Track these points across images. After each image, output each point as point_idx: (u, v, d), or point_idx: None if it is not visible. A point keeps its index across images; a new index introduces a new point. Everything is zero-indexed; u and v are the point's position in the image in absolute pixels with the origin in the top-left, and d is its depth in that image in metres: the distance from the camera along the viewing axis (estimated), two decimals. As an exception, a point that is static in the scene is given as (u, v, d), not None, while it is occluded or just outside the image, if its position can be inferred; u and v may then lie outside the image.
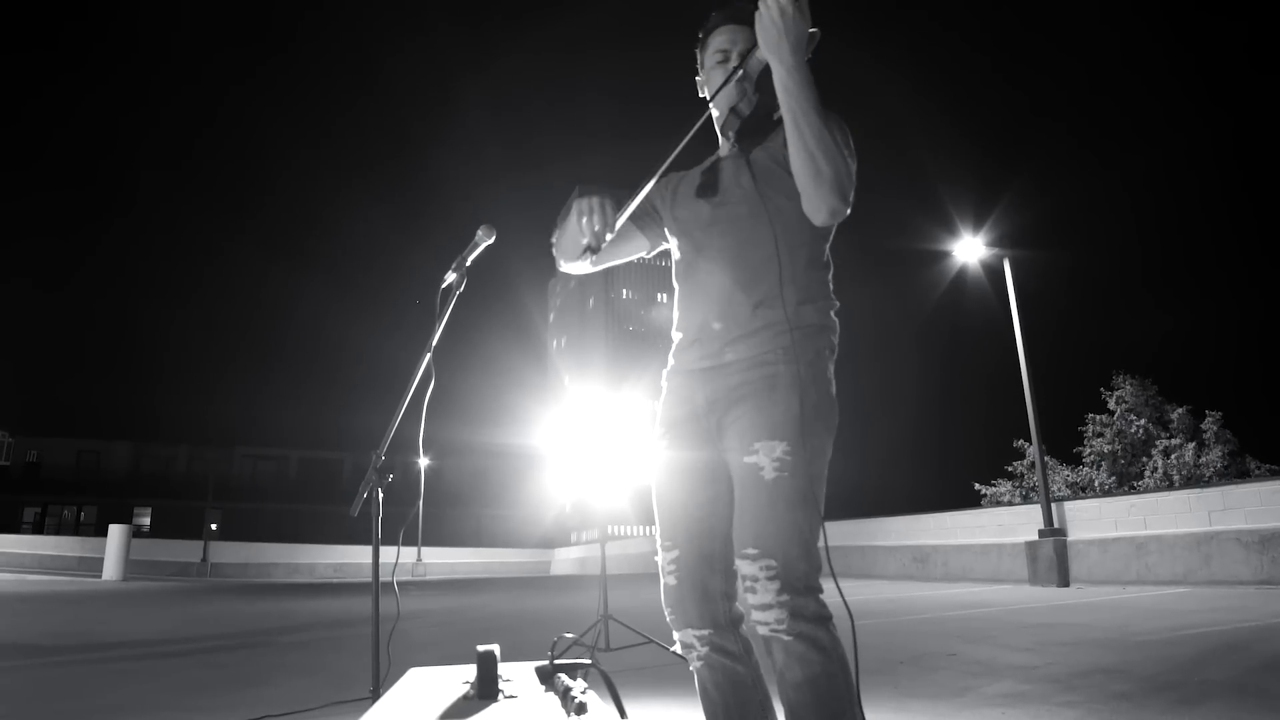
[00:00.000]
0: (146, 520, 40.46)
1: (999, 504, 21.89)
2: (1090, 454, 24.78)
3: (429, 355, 2.10)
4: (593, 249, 1.50)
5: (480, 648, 1.42)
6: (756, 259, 1.55)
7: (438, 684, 1.51)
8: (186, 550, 30.14)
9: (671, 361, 1.68)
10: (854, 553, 15.76)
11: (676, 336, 1.68)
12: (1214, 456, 22.41)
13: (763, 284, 1.54)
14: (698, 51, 1.73)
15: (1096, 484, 23.95)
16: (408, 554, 31.38)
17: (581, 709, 1.28)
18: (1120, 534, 10.66)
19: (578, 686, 1.41)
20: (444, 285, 2.06)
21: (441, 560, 35.56)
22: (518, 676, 1.54)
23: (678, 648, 1.57)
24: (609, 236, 1.50)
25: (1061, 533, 11.26)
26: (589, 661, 1.60)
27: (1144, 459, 23.83)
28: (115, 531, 21.90)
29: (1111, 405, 24.71)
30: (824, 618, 1.40)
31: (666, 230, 1.74)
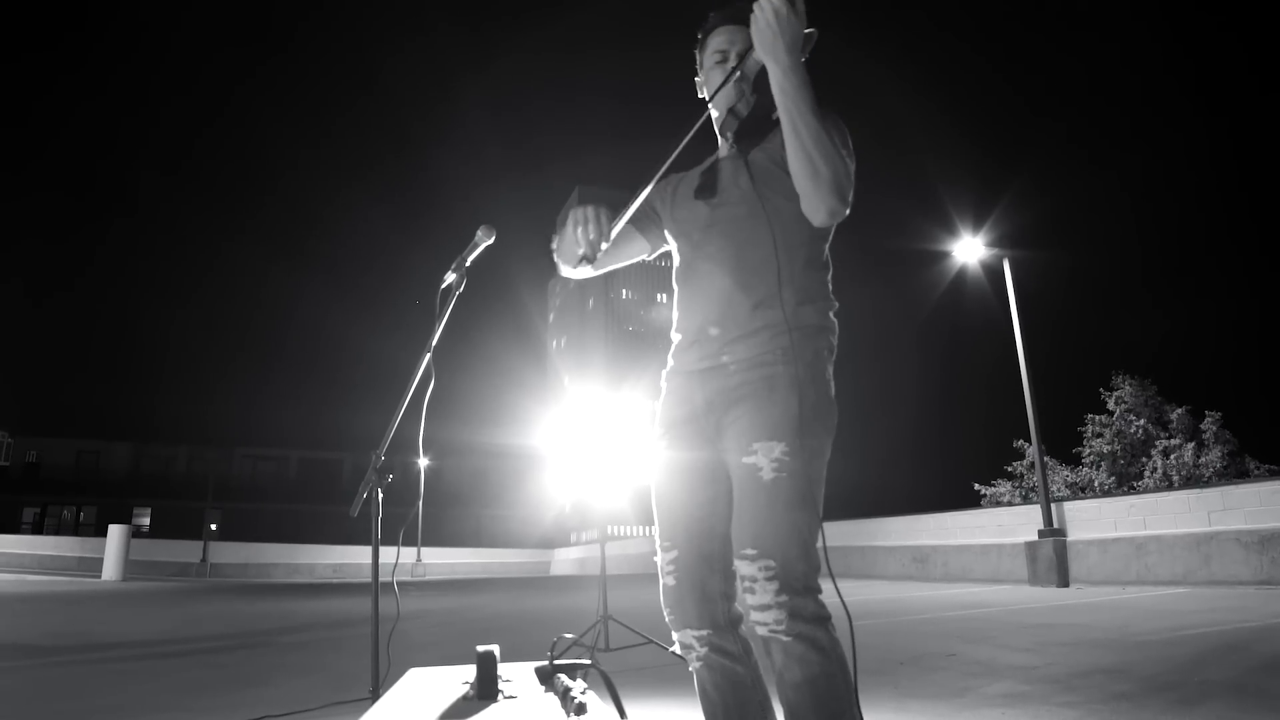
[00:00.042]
0: (146, 520, 40.46)
1: (999, 504, 21.88)
2: (1090, 454, 24.79)
3: (429, 355, 2.10)
4: (588, 258, 1.51)
5: (480, 648, 1.42)
6: (755, 260, 1.55)
7: (437, 684, 1.51)
8: (186, 550, 30.15)
9: (671, 362, 1.68)
10: (854, 553, 15.76)
11: (676, 337, 1.68)
12: (1213, 457, 22.41)
13: (761, 285, 1.54)
14: (696, 52, 1.73)
15: (1096, 484, 23.95)
16: (407, 554, 31.37)
17: (581, 709, 1.28)
18: (1120, 534, 10.67)
19: (577, 687, 1.41)
20: (444, 285, 2.06)
21: (441, 560, 35.57)
22: (517, 677, 1.54)
23: (677, 648, 1.57)
24: (604, 246, 1.51)
25: (1061, 533, 11.26)
26: (589, 662, 1.60)
27: (1143, 459, 23.83)
28: (115, 532, 21.91)
29: (1111, 405, 24.73)
30: (823, 618, 1.40)
31: (666, 232, 1.75)
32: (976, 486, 25.55)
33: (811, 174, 1.41)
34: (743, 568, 1.42)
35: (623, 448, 5.62)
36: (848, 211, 1.47)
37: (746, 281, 1.55)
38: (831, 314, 1.58)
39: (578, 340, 66.23)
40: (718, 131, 1.69)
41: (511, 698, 1.38)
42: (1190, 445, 22.84)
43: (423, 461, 2.76)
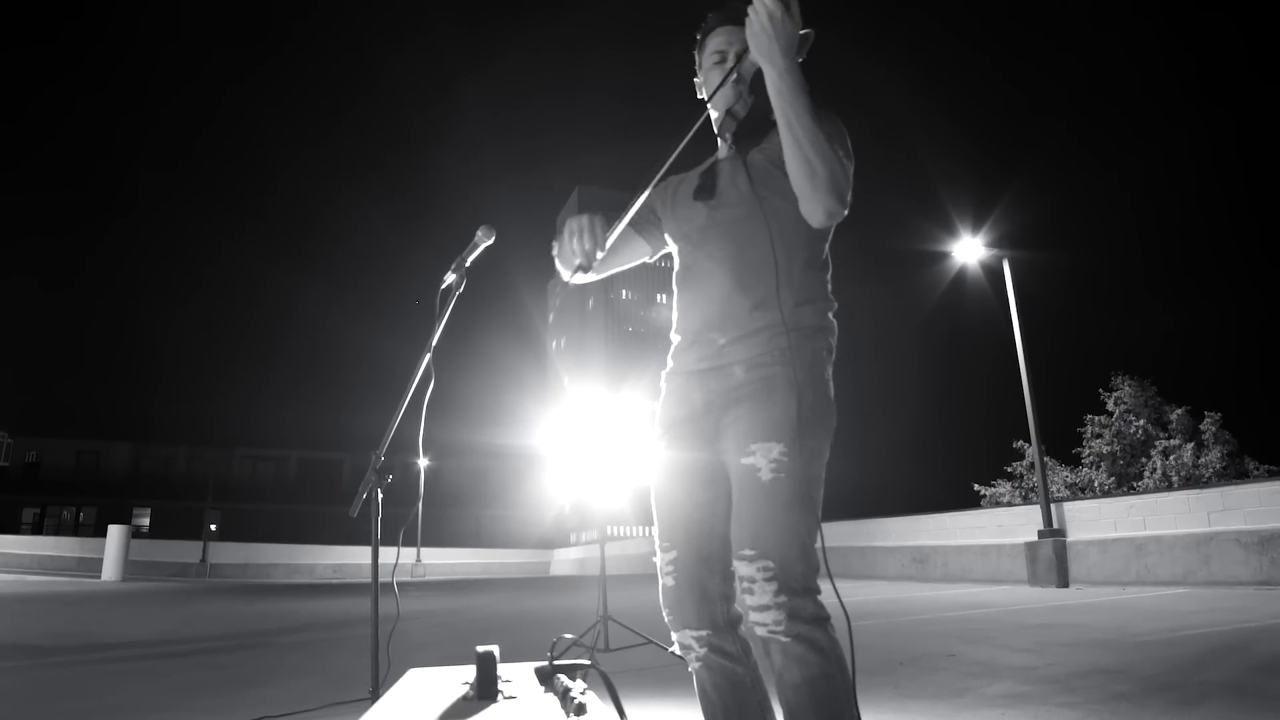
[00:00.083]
0: (146, 521, 40.46)
1: (998, 505, 21.89)
2: (1089, 455, 24.80)
3: (429, 356, 2.10)
4: (584, 268, 1.52)
5: (480, 648, 1.42)
6: (754, 261, 1.55)
7: (437, 685, 1.51)
8: (186, 551, 30.14)
9: (670, 363, 1.69)
10: (853, 553, 15.76)
11: (675, 338, 1.68)
12: (1213, 457, 22.42)
13: (760, 286, 1.54)
14: (695, 53, 1.73)
15: (1096, 485, 23.96)
16: (407, 554, 31.37)
17: (581, 710, 1.28)
18: (1119, 535, 10.67)
19: (577, 687, 1.41)
20: (444, 286, 2.06)
21: (441, 561, 35.56)
22: (517, 677, 1.54)
23: (676, 649, 1.57)
24: (600, 255, 1.52)
25: (1061, 533, 11.26)
26: (588, 662, 1.59)
27: (1143, 460, 23.84)
28: (114, 532, 21.90)
29: (1110, 406, 24.74)
30: (822, 619, 1.40)
31: (666, 234, 1.75)
32: (976, 487, 25.59)
33: (808, 175, 1.41)
34: (741, 568, 1.42)
35: (622, 448, 5.62)
36: (846, 212, 1.47)
37: (745, 282, 1.55)
38: (830, 314, 1.58)
39: (578, 340, 66.24)
40: (717, 133, 1.69)
41: (511, 698, 1.38)
42: (1190, 446, 22.85)
43: (422, 462, 2.76)
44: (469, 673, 1.52)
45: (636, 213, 1.60)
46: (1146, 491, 18.90)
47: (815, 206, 1.44)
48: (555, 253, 1.68)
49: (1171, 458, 22.95)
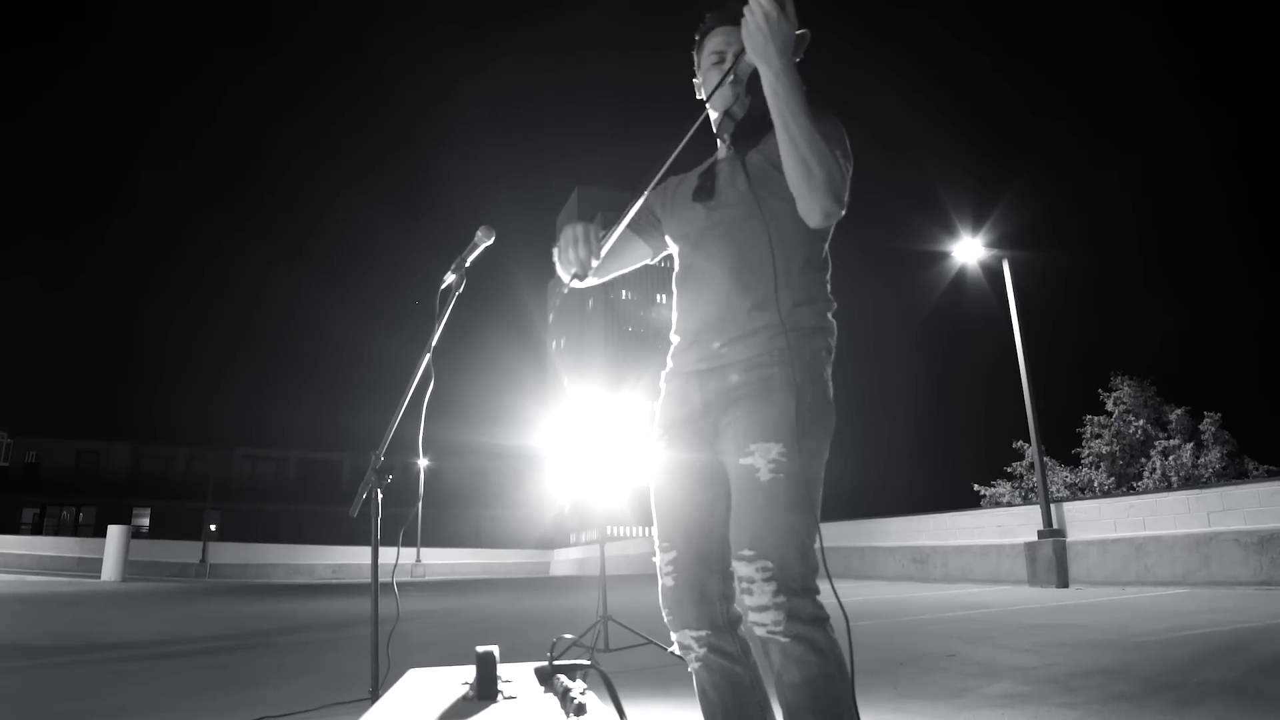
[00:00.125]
0: (145, 521, 40.45)
1: (998, 505, 21.90)
2: (1089, 455, 24.80)
3: (428, 356, 2.10)
4: (579, 277, 1.54)
5: (479, 648, 1.42)
6: (752, 261, 1.55)
7: (437, 685, 1.51)
8: (185, 551, 30.13)
9: (670, 363, 1.69)
10: (853, 554, 15.76)
11: (675, 339, 1.68)
12: (1212, 457, 22.42)
13: (759, 286, 1.54)
14: (694, 53, 1.73)
15: (1095, 485, 23.96)
16: (407, 555, 31.36)
17: (581, 710, 1.28)
18: (1119, 535, 10.67)
19: (577, 687, 1.41)
20: (443, 286, 2.06)
21: (441, 561, 35.55)
22: (517, 677, 1.54)
23: (676, 649, 1.57)
24: (595, 263, 1.53)
25: (1060, 534, 11.26)
26: (588, 662, 1.59)
27: (1142, 460, 23.84)
28: (114, 532, 21.90)
29: (1110, 406, 24.73)
30: (821, 619, 1.40)
31: (667, 235, 1.75)
32: (976, 487, 25.60)
33: (805, 175, 1.41)
34: (740, 569, 1.42)
35: (622, 448, 5.62)
36: (843, 212, 1.47)
37: (744, 283, 1.55)
38: (830, 315, 1.58)
39: (577, 341, 66.24)
40: (716, 134, 1.69)
41: (511, 698, 1.38)
42: (1189, 446, 22.85)
43: (422, 462, 2.76)
44: (469, 673, 1.52)
45: (636, 215, 1.60)
46: (1146, 492, 18.90)
47: (812, 207, 1.44)
48: (556, 258, 1.69)
49: (1171, 458, 22.95)
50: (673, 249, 1.75)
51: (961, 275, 14.27)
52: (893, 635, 5.60)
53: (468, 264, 2.05)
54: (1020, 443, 24.06)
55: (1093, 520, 11.12)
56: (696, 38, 1.72)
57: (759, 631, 1.41)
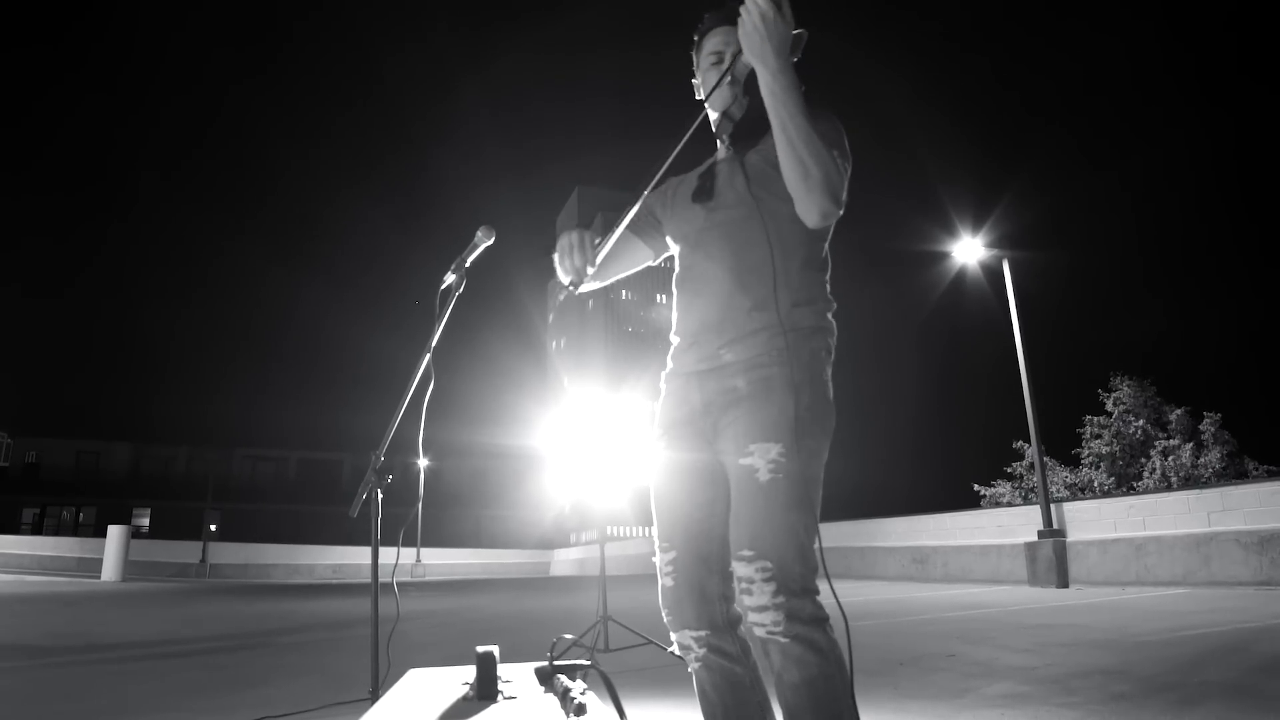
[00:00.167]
0: (146, 521, 40.46)
1: (998, 505, 21.90)
2: (1089, 455, 24.80)
3: (428, 356, 2.10)
4: (575, 284, 1.54)
5: (480, 648, 1.42)
6: (752, 261, 1.55)
7: (437, 685, 1.51)
8: (186, 551, 30.13)
9: (670, 364, 1.69)
10: (854, 554, 15.76)
11: (675, 339, 1.68)
12: (1212, 457, 22.42)
13: (758, 287, 1.54)
14: (693, 54, 1.73)
15: (1095, 485, 23.96)
16: (407, 555, 31.37)
17: (581, 710, 1.29)
18: (1119, 535, 10.67)
19: (577, 687, 1.41)
20: (443, 286, 2.06)
21: (441, 561, 35.56)
22: (517, 677, 1.54)
23: (675, 649, 1.57)
24: (590, 270, 1.53)
25: (1061, 534, 11.26)
26: (588, 662, 1.59)
27: (1142, 460, 23.84)
28: (114, 532, 21.90)
29: (1109, 406, 24.73)
30: (820, 619, 1.40)
31: (667, 236, 1.75)
32: (976, 487, 25.60)
33: (802, 175, 1.41)
34: (740, 569, 1.43)
35: (622, 449, 5.62)
36: (841, 212, 1.47)
37: (744, 283, 1.55)
38: (829, 315, 1.58)
39: (577, 341, 66.25)
40: (715, 134, 1.70)
41: (511, 698, 1.38)
42: (1189, 446, 22.84)
43: (422, 462, 2.76)
44: (469, 673, 1.52)
45: (637, 217, 1.60)
46: (1146, 492, 18.90)
47: (810, 207, 1.44)
48: (556, 262, 1.69)
49: (1171, 458, 22.95)
50: (673, 249, 1.75)
51: (961, 275, 14.28)
52: (893, 635, 5.60)
53: (468, 264, 2.05)
54: (1020, 443, 24.07)
55: (1093, 520, 11.12)
56: (695, 38, 1.72)
57: (759, 632, 1.41)
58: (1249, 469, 22.47)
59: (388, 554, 2.56)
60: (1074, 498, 19.85)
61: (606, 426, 5.68)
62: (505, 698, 1.38)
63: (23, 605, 11.15)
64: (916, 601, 8.98)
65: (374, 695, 2.45)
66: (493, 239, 2.04)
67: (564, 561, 41.41)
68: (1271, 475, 20.66)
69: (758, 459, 1.44)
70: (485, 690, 1.40)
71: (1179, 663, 3.89)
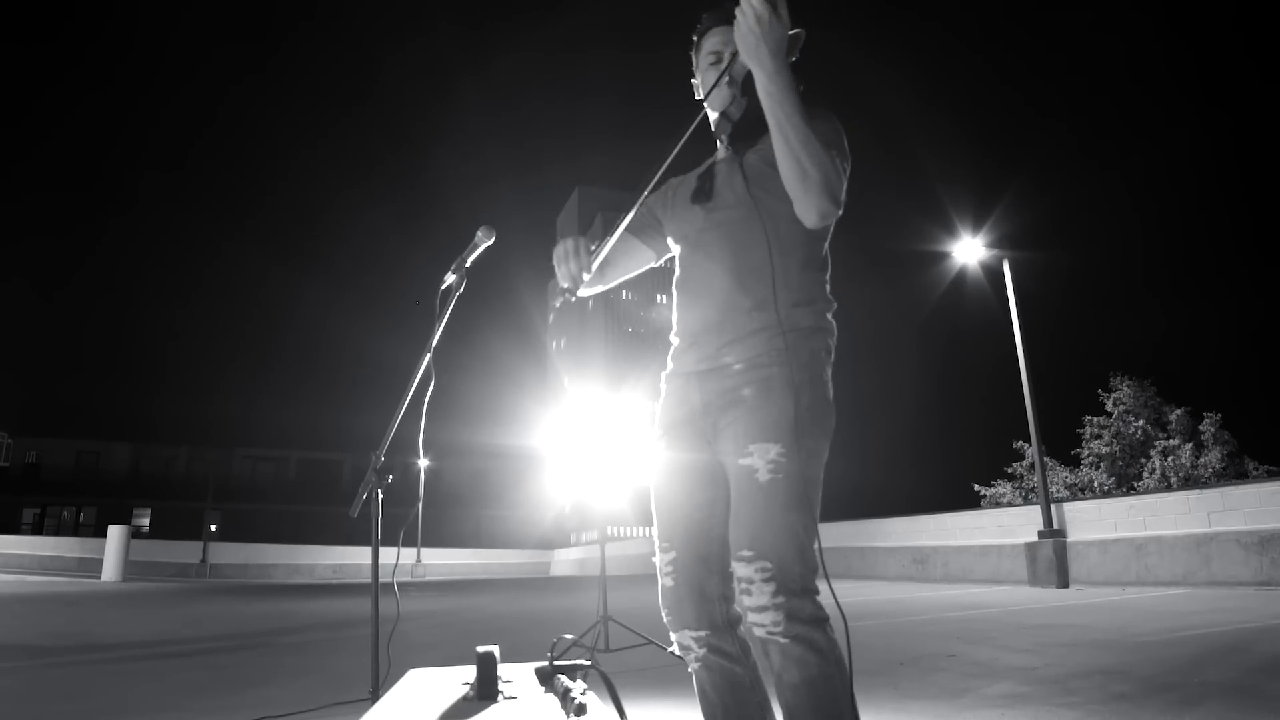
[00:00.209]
0: (146, 521, 40.46)
1: (998, 505, 21.90)
2: (1089, 455, 24.80)
3: (429, 356, 2.10)
4: (572, 291, 1.55)
5: (480, 649, 1.42)
6: (751, 262, 1.55)
7: (437, 685, 1.51)
8: (186, 551, 30.13)
9: (670, 364, 1.69)
10: (854, 554, 15.76)
11: (675, 340, 1.69)
12: (1212, 458, 22.41)
13: (758, 287, 1.54)
14: (692, 54, 1.73)
15: (1096, 485, 23.95)
16: (407, 555, 31.37)
17: (581, 710, 1.29)
18: (1120, 535, 10.67)
19: (577, 687, 1.41)
20: (443, 286, 2.06)
21: (441, 561, 35.56)
22: (517, 677, 1.54)
23: (675, 649, 1.57)
24: (586, 277, 1.54)
25: (1061, 534, 11.26)
26: (589, 663, 1.60)
27: (1142, 460, 23.84)
28: (114, 532, 21.90)
29: (1109, 407, 24.73)
30: (820, 619, 1.40)
31: (668, 236, 1.75)
32: (976, 487, 25.60)
33: (800, 176, 1.41)
34: (740, 569, 1.43)
35: (622, 449, 5.62)
36: (840, 212, 1.47)
37: (743, 284, 1.56)
38: (829, 315, 1.58)
39: (578, 341, 66.26)
40: (715, 135, 1.70)
41: (511, 698, 1.38)
42: (1189, 446, 22.84)
43: (423, 462, 2.76)
44: (469, 673, 1.52)
45: (637, 218, 1.61)
46: (1147, 492, 18.89)
47: (808, 208, 1.44)
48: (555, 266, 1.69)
49: (1171, 458, 22.94)
50: (673, 250, 1.75)
51: (962, 275, 14.28)
52: (893, 635, 5.60)
53: (468, 264, 2.05)
54: (1020, 443, 24.06)
55: (1093, 520, 11.12)
56: (694, 38, 1.72)
57: (758, 632, 1.41)
58: (1249, 469, 22.47)
59: (388, 554, 2.56)
60: (1074, 498, 19.85)
61: (606, 427, 5.68)
62: (505, 698, 1.38)
63: (23, 605, 11.15)
64: (916, 602, 8.98)
65: (374, 695, 2.45)
66: (493, 239, 2.04)
67: (564, 562, 41.41)
68: (1272, 475, 20.65)
69: (757, 459, 1.44)
70: (485, 690, 1.40)
71: (1179, 663, 3.89)
